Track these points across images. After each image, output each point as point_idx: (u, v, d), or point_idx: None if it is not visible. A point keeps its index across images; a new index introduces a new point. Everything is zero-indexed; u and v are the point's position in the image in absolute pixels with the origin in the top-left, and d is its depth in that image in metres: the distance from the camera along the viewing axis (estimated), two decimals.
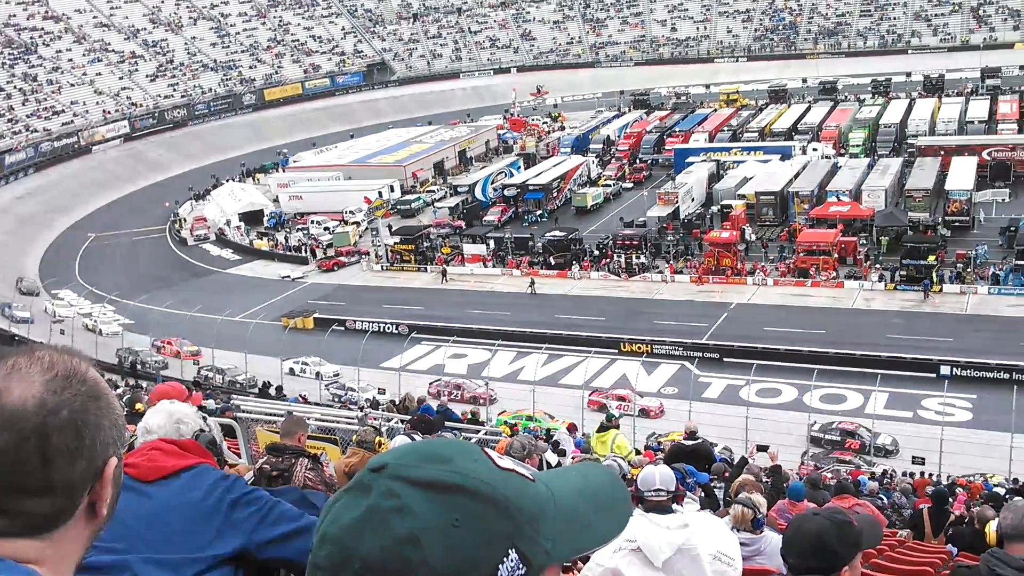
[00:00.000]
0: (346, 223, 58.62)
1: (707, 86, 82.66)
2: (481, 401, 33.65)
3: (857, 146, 59.64)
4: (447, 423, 14.30)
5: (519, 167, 65.45)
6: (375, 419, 13.48)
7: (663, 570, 2.24)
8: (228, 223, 61.77)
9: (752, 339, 37.41)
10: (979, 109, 62.72)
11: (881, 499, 13.88)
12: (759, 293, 43.29)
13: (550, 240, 49.67)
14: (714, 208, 50.99)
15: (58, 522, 1.21)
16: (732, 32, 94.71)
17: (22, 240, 60.77)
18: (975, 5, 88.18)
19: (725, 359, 36.67)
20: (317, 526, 1.09)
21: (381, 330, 41.86)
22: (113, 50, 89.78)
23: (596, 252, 48.74)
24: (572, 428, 19.69)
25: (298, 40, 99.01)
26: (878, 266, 43.43)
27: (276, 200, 65.42)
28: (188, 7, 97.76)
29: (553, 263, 48.49)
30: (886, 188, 48.67)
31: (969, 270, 41.14)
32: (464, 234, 53.23)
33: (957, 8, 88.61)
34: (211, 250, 59.64)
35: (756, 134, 63.51)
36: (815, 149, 59.30)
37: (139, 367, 38.46)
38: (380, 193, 62.85)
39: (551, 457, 10.22)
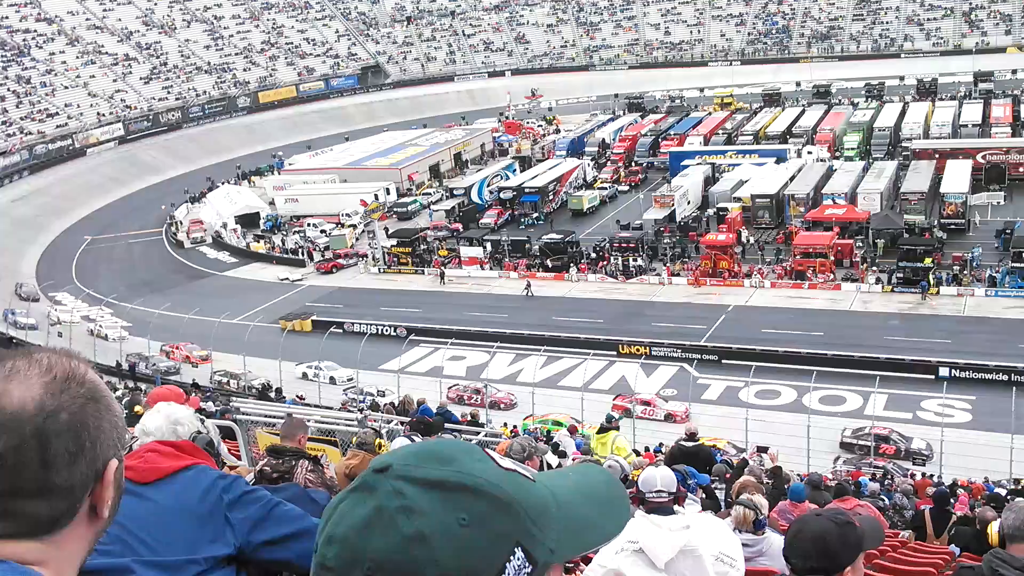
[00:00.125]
0: (342, 226, 58.63)
1: (701, 89, 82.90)
2: (502, 406, 33.36)
3: (852, 149, 59.80)
4: (447, 425, 14.27)
5: (515, 170, 65.52)
6: (375, 421, 13.44)
7: (665, 571, 2.22)
8: (224, 226, 61.74)
9: (750, 341, 37.47)
10: (973, 113, 62.97)
11: (883, 500, 13.89)
12: (756, 295, 43.36)
13: (547, 243, 49.72)
14: (710, 211, 51.10)
15: (59, 524, 1.21)
16: (725, 36, 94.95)
17: (18, 243, 60.66)
18: (967, 9, 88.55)
19: (723, 361, 36.71)
20: (321, 526, 1.08)
21: (379, 332, 41.87)
22: (107, 52, 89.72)
23: (593, 255, 48.79)
24: (573, 430, 19.68)
25: (292, 43, 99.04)
26: (874, 268, 43.54)
27: (272, 203, 65.44)
28: (181, 9, 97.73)
29: (550, 266, 48.54)
30: (881, 191, 48.81)
31: (966, 272, 41.27)
32: (461, 237, 53.27)
33: (949, 12, 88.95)
34: (208, 253, 59.61)
35: (751, 137, 63.69)
36: (810, 152, 59.46)
37: (150, 373, 37.71)
38: (376, 196, 62.89)
39: (551, 459, 10.21)
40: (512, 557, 1.05)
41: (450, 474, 1.06)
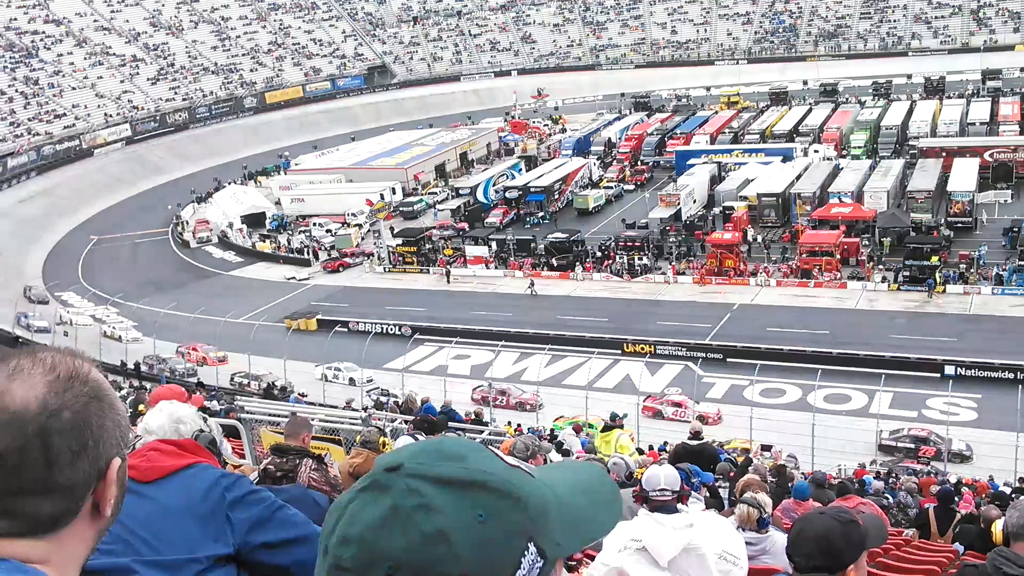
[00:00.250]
0: (348, 225, 58.73)
1: (708, 88, 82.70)
2: (528, 407, 32.88)
3: (859, 148, 59.61)
4: (451, 423, 14.29)
5: (520, 169, 65.51)
6: (379, 420, 13.47)
7: (669, 569, 2.23)
8: (231, 226, 61.88)
9: (755, 339, 37.40)
10: (980, 111, 62.71)
11: (887, 498, 13.86)
12: (762, 294, 43.28)
13: (552, 242, 49.70)
14: (716, 210, 50.98)
15: (62, 523, 1.22)
16: (732, 35, 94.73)
17: (25, 243, 60.87)
18: (975, 7, 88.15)
19: (728, 359, 36.65)
20: (329, 528, 1.08)
21: (384, 331, 41.91)
22: (114, 53, 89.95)
23: (598, 254, 48.75)
24: (578, 429, 19.69)
25: (299, 43, 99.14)
26: (881, 267, 43.42)
27: (278, 203, 65.56)
28: (189, 10, 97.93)
29: (555, 265, 48.52)
30: (888, 190, 48.67)
31: (972, 271, 41.13)
32: (466, 236, 53.29)
33: (957, 10, 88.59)
34: (214, 252, 59.75)
35: (757, 136, 63.53)
36: (816, 151, 59.30)
37: (167, 375, 37.05)
38: (382, 195, 62.96)
39: (555, 457, 10.21)
40: (526, 552, 1.07)
41: (463, 471, 1.07)
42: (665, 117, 74.00)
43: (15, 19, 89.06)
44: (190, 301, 47.79)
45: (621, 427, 13.65)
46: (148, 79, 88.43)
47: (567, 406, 31.53)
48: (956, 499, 12.57)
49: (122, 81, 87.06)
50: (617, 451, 11.66)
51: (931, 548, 9.10)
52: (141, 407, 7.75)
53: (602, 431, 13.65)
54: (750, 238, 47.60)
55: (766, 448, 26.38)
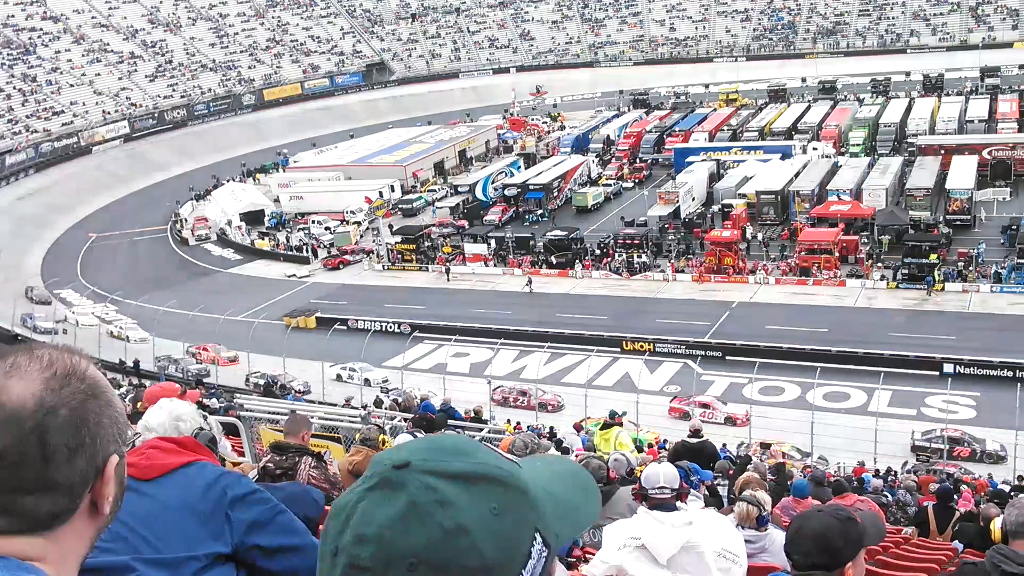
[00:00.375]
0: (347, 223, 58.70)
1: (706, 85, 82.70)
2: (549, 408, 32.61)
3: (857, 145, 59.63)
4: (450, 421, 14.29)
5: (519, 167, 65.49)
6: (378, 417, 13.47)
7: (668, 567, 2.23)
8: (229, 223, 61.86)
9: (754, 337, 37.41)
10: (979, 108, 62.72)
11: (886, 496, 13.88)
12: (761, 292, 43.30)
13: (551, 239, 49.69)
14: (715, 207, 51.01)
15: (60, 520, 1.22)
16: (731, 32, 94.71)
17: (23, 241, 60.81)
18: (973, 4, 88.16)
19: (727, 357, 36.67)
20: (338, 528, 1.07)
21: (383, 329, 41.89)
22: (112, 50, 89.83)
23: (597, 251, 48.75)
24: (578, 427, 19.70)
25: (297, 40, 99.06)
26: (879, 265, 43.43)
27: (277, 200, 65.53)
28: (187, 7, 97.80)
29: (554, 262, 48.52)
30: (887, 187, 48.68)
31: (971, 268, 41.14)
32: (465, 234, 53.28)
33: (956, 8, 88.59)
34: (212, 250, 59.71)
35: (756, 133, 63.50)
36: (815, 148, 59.29)
37: (181, 376, 36.41)
38: (381, 193, 62.94)
39: (555, 455, 10.21)
40: (535, 542, 1.09)
41: (472, 466, 1.08)
42: (664, 114, 73.95)
43: (12, 16, 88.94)
44: (189, 298, 47.78)
45: (620, 425, 13.65)
46: (146, 76, 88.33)
47: (570, 404, 31.48)
48: (955, 497, 12.57)
49: (120, 78, 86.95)
50: (617, 449, 11.66)
51: (930, 546, 9.11)
52: (140, 405, 7.74)
53: (601, 429, 13.66)
54: (749, 236, 47.61)
55: (765, 446, 26.41)
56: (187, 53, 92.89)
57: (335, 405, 23.27)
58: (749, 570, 2.43)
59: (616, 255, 47.75)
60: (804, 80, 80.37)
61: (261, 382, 35.34)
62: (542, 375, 34.68)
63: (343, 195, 62.24)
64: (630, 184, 61.08)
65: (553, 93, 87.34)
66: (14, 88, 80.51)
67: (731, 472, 10.36)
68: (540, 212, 56.12)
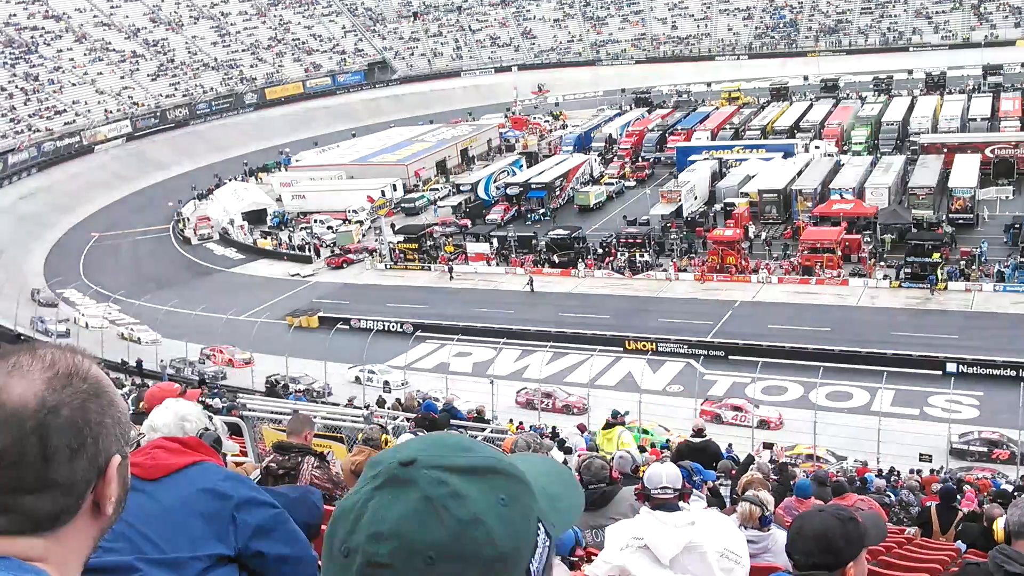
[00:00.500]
0: (349, 222, 58.73)
1: (708, 84, 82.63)
2: (576, 410, 32.10)
3: (860, 144, 59.54)
4: (452, 421, 14.30)
5: (521, 166, 65.49)
6: (380, 417, 13.48)
7: (671, 568, 2.22)
8: (232, 222, 61.89)
9: (757, 337, 37.39)
10: (981, 106, 62.64)
11: (888, 496, 13.87)
12: (763, 291, 43.26)
13: (553, 238, 49.68)
14: (717, 206, 50.97)
15: (62, 520, 1.22)
16: (733, 30, 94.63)
17: (26, 240, 60.88)
18: (976, 2, 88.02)
19: (730, 357, 36.64)
20: (347, 529, 1.07)
21: (385, 329, 41.90)
22: (114, 49, 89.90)
23: (600, 250, 48.74)
24: (582, 428, 19.71)
25: (299, 39, 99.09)
26: (882, 264, 43.38)
27: (279, 199, 65.58)
28: (188, 6, 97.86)
29: (557, 261, 48.51)
30: (889, 186, 48.62)
31: (974, 267, 41.09)
32: (467, 233, 53.27)
33: (958, 5, 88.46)
34: (215, 249, 59.75)
35: (758, 132, 63.47)
36: (817, 147, 59.24)
37: (199, 378, 35.73)
38: (383, 192, 62.95)
39: (557, 455, 10.22)
40: (539, 532, 1.12)
41: (477, 459, 1.10)
42: (666, 113, 73.89)
43: (15, 15, 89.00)
44: (191, 298, 47.80)
45: (623, 424, 13.66)
46: (148, 75, 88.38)
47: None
48: (958, 497, 12.56)
49: (122, 77, 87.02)
50: (619, 449, 11.65)
51: (933, 546, 9.10)
52: (141, 405, 7.74)
53: (604, 428, 13.66)
54: (751, 235, 47.56)
55: (768, 446, 26.37)
56: (189, 52, 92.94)
57: (337, 405, 23.28)
58: (752, 570, 2.43)
59: (618, 254, 47.72)
60: (806, 78, 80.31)
61: (281, 382, 34.79)
62: (544, 374, 34.67)
63: (345, 194, 62.26)
64: (632, 183, 61.04)
65: (555, 92, 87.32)
66: (16, 87, 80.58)
67: (734, 472, 10.35)
68: (542, 211, 56.10)
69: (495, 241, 51.25)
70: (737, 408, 31.07)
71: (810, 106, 68.92)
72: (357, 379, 36.10)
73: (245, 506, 2.17)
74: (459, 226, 54.78)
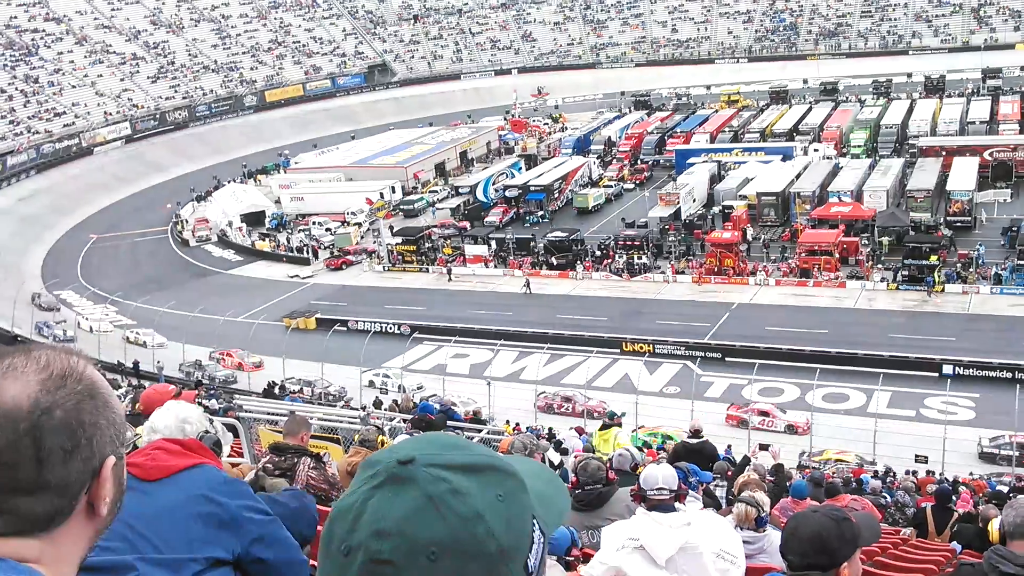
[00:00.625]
0: (348, 224, 58.71)
1: (708, 87, 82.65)
2: (596, 414, 31.20)
3: (858, 147, 59.61)
4: (449, 422, 14.30)
5: (520, 168, 65.50)
6: (377, 419, 13.49)
7: (666, 568, 2.23)
8: (230, 224, 61.86)
9: (754, 339, 37.40)
10: (980, 110, 62.71)
11: (884, 498, 13.88)
12: (761, 293, 43.29)
13: (551, 241, 49.69)
14: (716, 209, 50.99)
15: (56, 521, 1.21)
16: (733, 33, 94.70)
17: (24, 241, 60.84)
18: (976, 6, 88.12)
19: (727, 359, 36.66)
20: (347, 528, 1.08)
21: (383, 330, 41.89)
22: (114, 52, 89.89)
23: (598, 253, 48.75)
24: (580, 431, 19.70)
25: (299, 42, 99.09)
26: (880, 266, 43.42)
27: (278, 201, 65.54)
28: (189, 9, 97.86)
29: (555, 264, 48.51)
30: (888, 189, 48.66)
31: (971, 270, 41.13)
32: (466, 235, 53.28)
33: (958, 9, 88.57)
34: (213, 251, 59.71)
35: (757, 135, 63.51)
36: (816, 150, 59.29)
37: (209, 382, 34.62)
38: (381, 194, 62.94)
39: (553, 456, 10.23)
40: (535, 528, 1.14)
41: (473, 457, 1.12)
42: (665, 116, 73.94)
43: (15, 17, 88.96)
44: (189, 299, 47.77)
45: (619, 425, 13.66)
46: (148, 77, 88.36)
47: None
48: (953, 498, 12.58)
49: (122, 79, 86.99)
50: (615, 450, 11.65)
51: (928, 547, 9.11)
52: (137, 406, 7.75)
53: (600, 430, 13.67)
54: (749, 237, 47.59)
55: (764, 447, 26.36)
56: (189, 54, 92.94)
57: (334, 406, 23.28)
58: (747, 571, 2.44)
59: (616, 256, 47.74)
60: (806, 81, 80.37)
61: (296, 388, 34.20)
62: (542, 376, 34.67)
63: (344, 196, 62.24)
64: (631, 185, 61.06)
65: (554, 94, 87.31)
66: (16, 89, 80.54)
67: (730, 473, 10.36)
68: (541, 213, 56.11)
69: (493, 243, 51.26)
70: (764, 413, 30.75)
71: (809, 109, 68.96)
72: (371, 383, 35.71)
73: (244, 511, 2.18)
74: (458, 228, 54.80)
